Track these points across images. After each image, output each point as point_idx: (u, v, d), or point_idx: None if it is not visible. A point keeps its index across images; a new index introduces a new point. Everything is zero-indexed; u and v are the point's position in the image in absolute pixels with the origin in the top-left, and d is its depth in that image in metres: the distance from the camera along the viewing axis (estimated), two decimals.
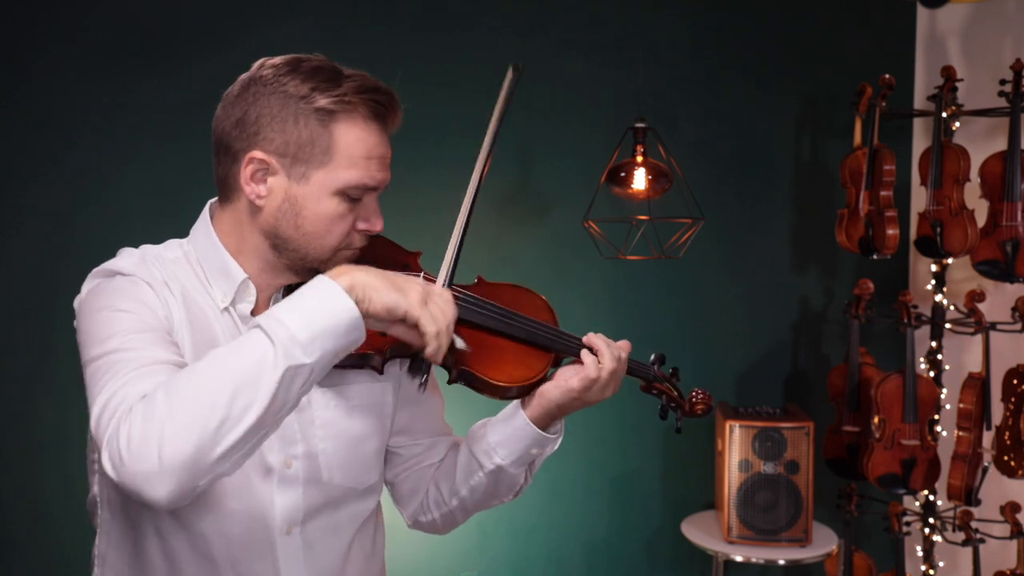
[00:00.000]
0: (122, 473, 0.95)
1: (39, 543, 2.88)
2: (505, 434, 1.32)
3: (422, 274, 1.33)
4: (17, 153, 2.86)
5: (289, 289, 1.26)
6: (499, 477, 1.34)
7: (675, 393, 1.42)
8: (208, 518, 1.20)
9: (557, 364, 1.33)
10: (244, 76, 1.23)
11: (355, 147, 1.18)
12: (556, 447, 1.35)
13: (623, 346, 1.34)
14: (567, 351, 1.32)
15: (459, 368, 1.26)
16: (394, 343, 1.21)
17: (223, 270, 1.23)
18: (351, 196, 1.19)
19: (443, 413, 1.47)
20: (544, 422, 1.32)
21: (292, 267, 1.24)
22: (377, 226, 1.24)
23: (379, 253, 1.31)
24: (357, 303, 1.02)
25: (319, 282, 1.02)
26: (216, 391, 0.95)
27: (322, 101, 1.16)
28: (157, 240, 1.33)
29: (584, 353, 1.31)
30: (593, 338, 1.32)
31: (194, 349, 1.19)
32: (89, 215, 2.87)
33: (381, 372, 1.25)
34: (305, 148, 1.16)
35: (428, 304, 1.07)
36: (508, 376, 1.27)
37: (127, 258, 1.23)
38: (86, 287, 1.22)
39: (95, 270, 1.23)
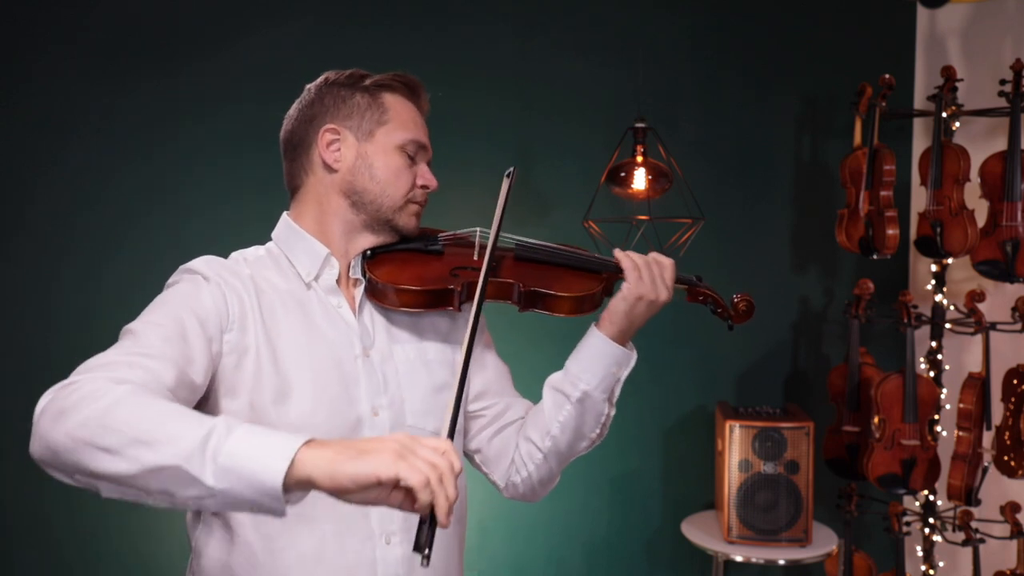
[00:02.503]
0: (37, 413, 1.10)
1: (39, 543, 2.88)
2: (586, 358, 1.47)
3: (477, 232, 1.53)
4: (17, 153, 2.86)
5: (364, 256, 1.44)
6: (585, 406, 1.47)
7: (718, 298, 1.58)
8: None
9: (610, 286, 1.50)
10: (297, 100, 1.47)
11: (403, 113, 1.45)
12: (633, 364, 1.50)
13: (652, 255, 1.50)
14: (614, 269, 1.49)
15: (527, 290, 1.43)
16: (467, 280, 1.41)
17: (307, 250, 1.42)
18: (409, 153, 1.44)
19: (511, 380, 1.60)
20: (620, 339, 1.47)
21: (369, 224, 1.43)
22: (433, 182, 1.47)
23: (425, 236, 1.52)
24: (312, 481, 0.97)
25: (287, 441, 0.99)
26: (132, 427, 1.02)
27: (367, 82, 1.44)
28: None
29: (620, 260, 1.49)
30: (620, 252, 1.51)
31: (264, 328, 1.34)
32: (89, 215, 2.87)
33: (459, 309, 1.42)
34: (365, 113, 1.42)
35: (407, 457, 0.98)
36: (573, 288, 1.44)
37: (201, 259, 1.39)
38: (167, 283, 1.38)
39: (179, 268, 1.39)
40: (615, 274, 1.49)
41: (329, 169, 1.42)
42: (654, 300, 1.45)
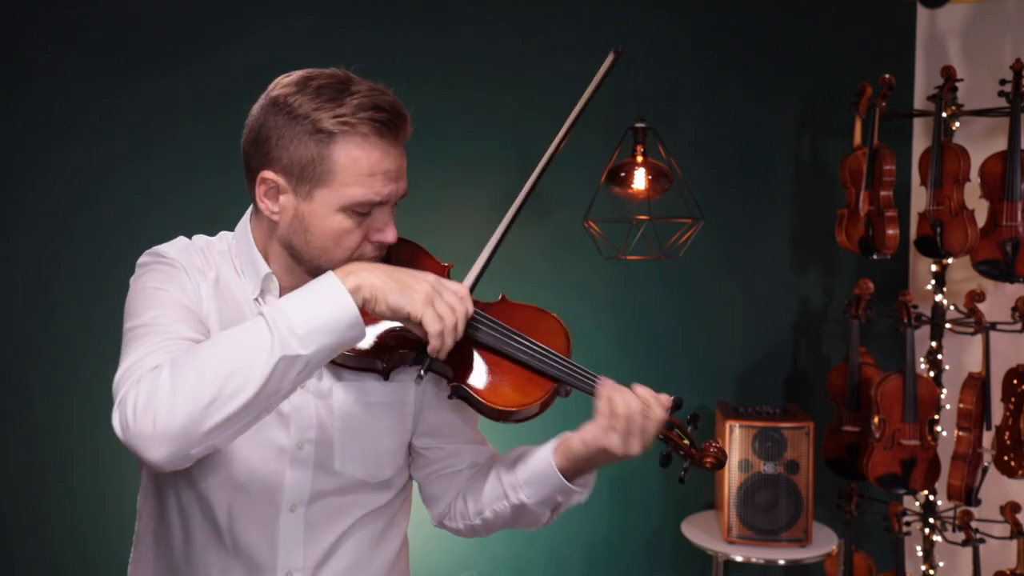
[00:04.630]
0: (127, 434, 1.07)
1: (39, 543, 2.88)
2: (533, 475, 1.33)
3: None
4: (17, 153, 2.86)
5: None
6: (521, 512, 1.36)
7: (685, 441, 1.30)
8: (217, 487, 1.29)
9: (563, 394, 1.31)
10: (263, 95, 1.27)
11: (357, 165, 1.20)
12: (583, 500, 1.36)
13: (647, 399, 1.22)
14: (573, 384, 1.28)
15: (455, 384, 1.27)
16: (395, 352, 1.27)
17: (252, 264, 1.33)
18: (357, 212, 1.22)
19: (476, 423, 1.46)
20: (573, 473, 1.31)
21: (311, 273, 1.27)
22: (389, 237, 1.25)
23: (413, 263, 1.32)
24: (364, 303, 1.11)
25: (326, 279, 1.12)
26: (212, 371, 1.06)
27: (323, 123, 1.19)
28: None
29: (598, 400, 1.24)
30: (604, 389, 1.24)
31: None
32: (89, 215, 2.87)
33: (387, 379, 1.30)
34: (307, 168, 1.21)
35: (435, 303, 1.13)
36: (504, 400, 1.26)
37: (174, 245, 1.34)
38: (138, 265, 1.33)
39: (147, 251, 1.34)
40: (570, 386, 1.28)
41: (268, 220, 1.28)
42: (621, 456, 1.23)
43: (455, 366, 1.28)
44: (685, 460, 1.30)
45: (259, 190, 1.25)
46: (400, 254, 1.32)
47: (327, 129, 1.19)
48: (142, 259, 1.32)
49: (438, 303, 1.13)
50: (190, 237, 1.39)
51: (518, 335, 1.29)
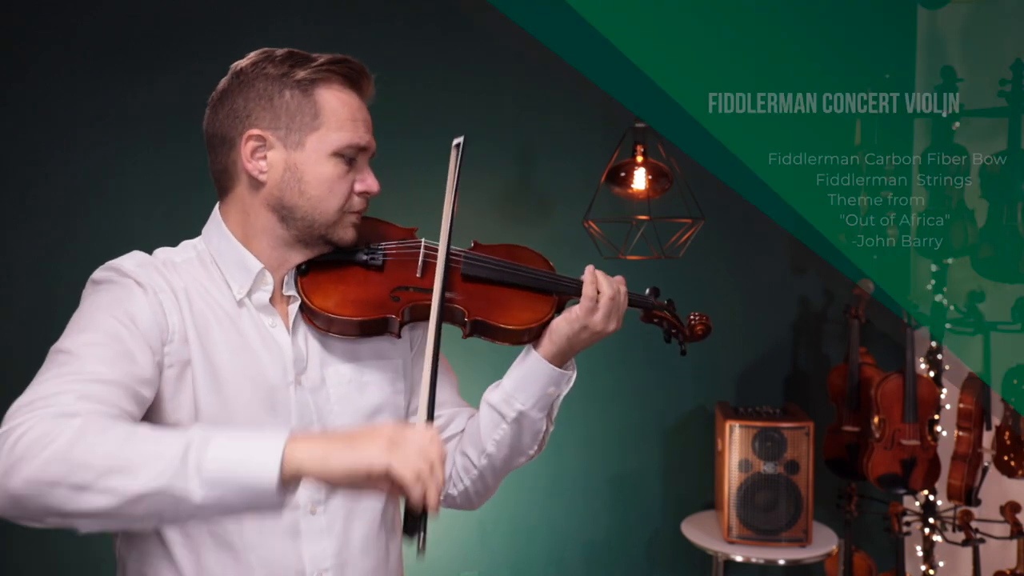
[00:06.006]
0: None
1: (39, 543, 2.88)
2: (521, 377, 1.38)
3: (421, 244, 1.39)
4: (17, 153, 2.86)
5: (299, 270, 1.32)
6: (522, 425, 1.39)
7: (674, 319, 1.52)
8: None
9: (561, 307, 1.41)
10: (223, 80, 1.31)
11: (340, 110, 1.28)
12: (571, 385, 1.41)
13: (618, 279, 1.43)
14: (568, 291, 1.41)
15: (472, 320, 1.34)
16: (409, 305, 1.32)
17: (239, 263, 1.29)
18: (346, 156, 1.28)
19: (458, 390, 1.52)
20: (557, 360, 1.38)
21: (301, 238, 1.30)
22: (373, 187, 1.32)
23: (376, 232, 1.39)
24: (301, 471, 0.98)
25: (270, 439, 0.99)
26: (102, 457, 0.96)
27: (301, 73, 1.27)
28: (159, 239, 1.37)
29: (584, 283, 1.38)
30: (590, 273, 1.41)
31: (201, 345, 1.24)
32: (89, 215, 2.88)
33: (399, 336, 1.34)
34: (295, 117, 1.26)
35: (399, 448, 0.99)
36: (519, 320, 1.36)
37: (131, 259, 1.27)
38: (92, 281, 1.27)
39: (103, 266, 1.27)
40: (567, 295, 1.41)
41: (254, 181, 1.27)
42: (600, 332, 1.37)
43: (465, 306, 1.35)
44: (679, 335, 1.52)
45: (245, 151, 1.26)
46: (362, 227, 1.36)
47: (307, 78, 1.26)
48: (98, 274, 1.25)
49: (404, 447, 0.99)
50: (152, 250, 1.34)
51: (509, 263, 1.40)
